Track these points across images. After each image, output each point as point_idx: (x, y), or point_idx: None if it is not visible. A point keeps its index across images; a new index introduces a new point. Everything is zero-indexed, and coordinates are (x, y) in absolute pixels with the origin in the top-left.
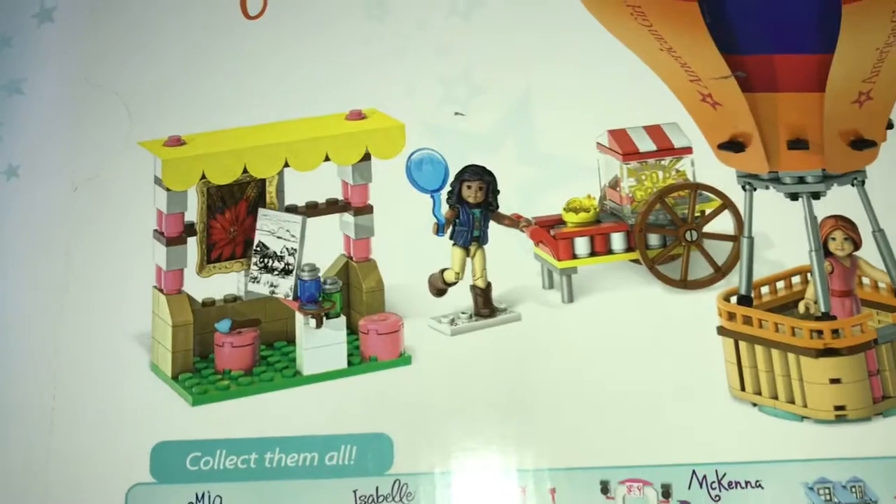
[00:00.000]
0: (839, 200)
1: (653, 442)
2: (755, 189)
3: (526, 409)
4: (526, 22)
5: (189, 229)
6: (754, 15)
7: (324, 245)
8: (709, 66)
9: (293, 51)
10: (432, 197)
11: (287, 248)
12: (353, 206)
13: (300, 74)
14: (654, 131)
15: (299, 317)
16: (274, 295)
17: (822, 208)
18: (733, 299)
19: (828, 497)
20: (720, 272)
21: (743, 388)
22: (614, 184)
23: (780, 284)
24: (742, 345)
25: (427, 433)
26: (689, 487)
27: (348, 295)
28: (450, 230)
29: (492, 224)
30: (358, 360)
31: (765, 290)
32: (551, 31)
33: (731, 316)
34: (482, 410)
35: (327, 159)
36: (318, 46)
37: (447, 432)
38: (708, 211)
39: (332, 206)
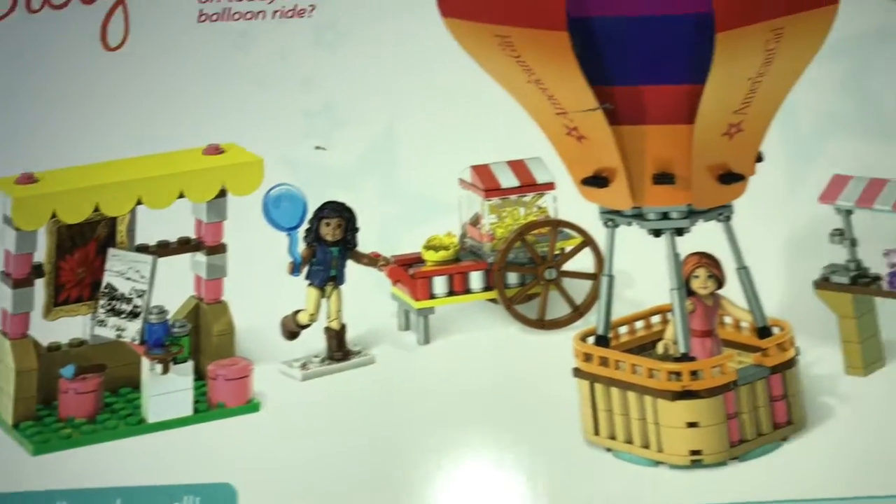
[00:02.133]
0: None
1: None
2: (617, 225)
3: (376, 456)
4: (392, 54)
5: (37, 270)
6: (624, 45)
7: (175, 286)
8: (576, 99)
9: (153, 83)
10: (289, 235)
11: (136, 290)
12: (206, 244)
13: (160, 107)
14: (518, 166)
15: (145, 362)
16: (121, 339)
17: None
18: (591, 339)
19: None
20: (578, 311)
21: (597, 433)
22: (475, 221)
23: (640, 324)
24: (598, 387)
25: (273, 484)
26: None
27: (197, 338)
28: (306, 270)
29: (349, 263)
30: (205, 407)
31: (623, 329)
32: (417, 65)
33: (587, 357)
34: (331, 460)
35: (182, 196)
36: (180, 78)
37: (294, 483)
38: (568, 248)
39: (184, 246)
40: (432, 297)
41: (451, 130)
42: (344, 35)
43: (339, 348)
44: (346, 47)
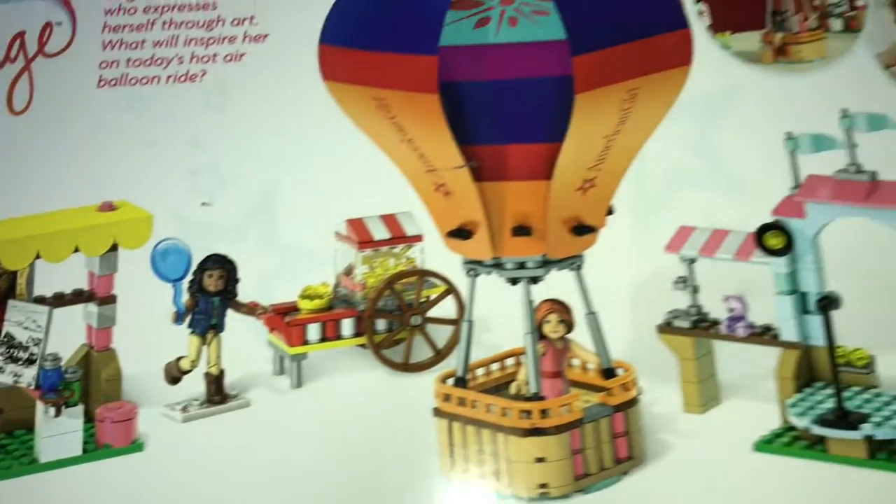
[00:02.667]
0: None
1: None
2: (479, 275)
3: (253, 495)
4: (275, 116)
5: None
6: (490, 107)
7: (69, 334)
8: (444, 157)
9: (54, 143)
10: (174, 286)
11: (32, 339)
12: (98, 295)
13: (60, 166)
14: (389, 220)
15: (40, 405)
16: (17, 384)
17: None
18: (450, 381)
19: None
20: (440, 355)
21: (453, 467)
22: (349, 271)
23: (495, 366)
24: (455, 425)
25: None
26: None
27: (87, 383)
28: (189, 318)
29: (229, 311)
30: (93, 447)
31: (480, 371)
32: (298, 125)
33: (446, 397)
34: (208, 496)
35: (77, 250)
36: (79, 138)
37: None
38: (433, 296)
39: (78, 297)
40: (306, 342)
41: (328, 187)
42: (230, 98)
43: (217, 392)
44: (232, 110)
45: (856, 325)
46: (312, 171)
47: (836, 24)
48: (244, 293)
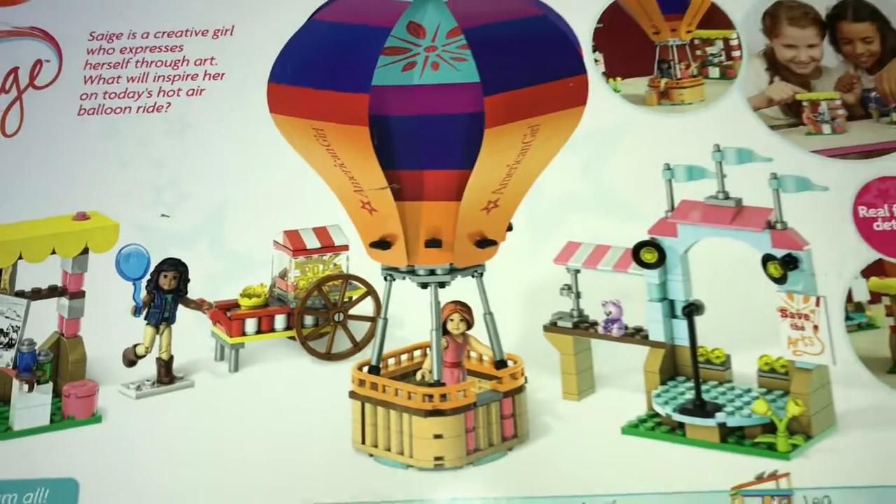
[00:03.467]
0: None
1: (287, 480)
2: (395, 279)
3: (197, 460)
4: (228, 142)
5: None
6: (412, 138)
7: (44, 323)
8: (371, 180)
9: (40, 162)
10: (135, 284)
11: (12, 326)
12: (70, 291)
13: (42, 182)
14: (320, 231)
15: (16, 382)
16: None
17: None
18: (366, 369)
19: None
20: (357, 346)
21: (364, 442)
22: (283, 274)
23: (405, 357)
24: (367, 406)
25: (109, 480)
26: None
27: (57, 365)
28: (145, 312)
29: (180, 307)
30: (59, 419)
31: (392, 361)
32: (246, 150)
33: (361, 382)
34: (159, 462)
35: (54, 252)
36: (61, 159)
37: (127, 478)
38: (355, 297)
39: (53, 292)
40: (244, 334)
41: (269, 203)
42: (190, 126)
43: (166, 374)
44: (191, 136)
45: (716, 329)
46: (256, 189)
47: (715, 71)
48: (194, 291)
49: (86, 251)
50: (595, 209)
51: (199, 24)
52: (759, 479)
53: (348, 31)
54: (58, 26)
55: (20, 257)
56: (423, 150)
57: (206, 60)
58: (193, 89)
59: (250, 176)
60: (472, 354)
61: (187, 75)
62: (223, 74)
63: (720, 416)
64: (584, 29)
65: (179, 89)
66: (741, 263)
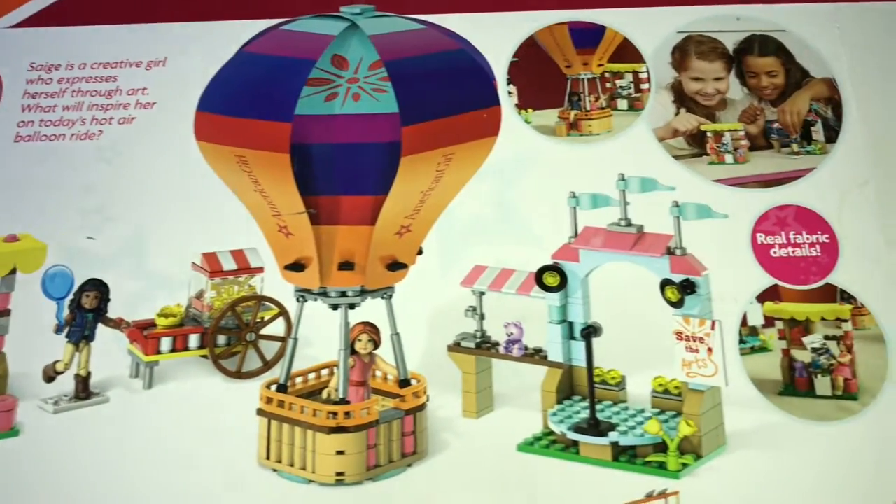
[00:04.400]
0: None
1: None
2: (307, 301)
3: (110, 473)
4: (154, 169)
5: None
6: (330, 165)
7: None
8: (289, 204)
9: None
10: (58, 303)
11: None
12: None
13: None
14: (237, 254)
15: None
16: None
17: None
18: (274, 387)
19: None
20: (267, 365)
21: (268, 457)
22: (199, 295)
23: (312, 376)
24: (273, 423)
25: (28, 491)
26: None
27: None
28: (67, 330)
29: (100, 325)
30: None
31: (300, 379)
32: (169, 175)
33: (269, 400)
34: (74, 473)
35: None
36: None
37: (45, 491)
38: (267, 317)
39: None
40: (158, 352)
41: (189, 226)
42: (120, 153)
43: (83, 390)
44: (119, 162)
45: (613, 350)
46: (178, 213)
47: (623, 103)
48: (115, 311)
49: (13, 271)
50: (502, 235)
51: (133, 55)
52: (649, 496)
53: (275, 63)
54: (0, 57)
55: None
56: (341, 176)
57: (138, 90)
58: (125, 118)
59: (173, 200)
60: (378, 373)
61: (120, 104)
62: (154, 104)
63: (613, 435)
64: (500, 62)
65: (111, 118)
66: (640, 288)
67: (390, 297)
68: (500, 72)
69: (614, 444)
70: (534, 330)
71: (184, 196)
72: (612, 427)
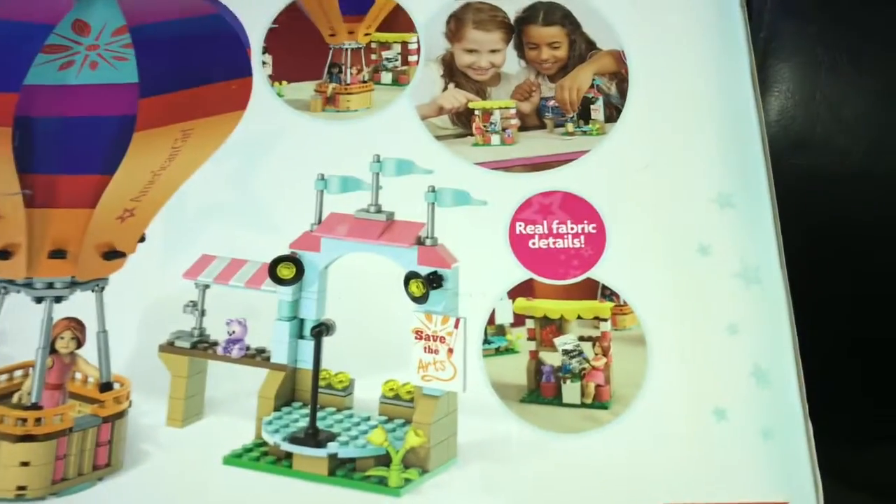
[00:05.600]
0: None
1: None
2: (9, 292)
3: None
4: None
5: None
6: (53, 141)
7: None
8: (2, 184)
9: None
10: None
11: None
12: None
13: None
14: None
15: None
16: None
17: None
18: None
19: None
20: None
21: None
22: None
23: (4, 378)
24: None
25: None
26: None
27: None
28: None
29: None
30: None
31: None
32: None
33: None
34: None
35: None
36: None
37: None
38: None
39: None
40: None
41: None
42: None
43: None
44: None
45: (346, 351)
46: None
47: (387, 77)
48: None
49: None
50: (238, 222)
51: None
52: None
53: (6, 28)
54: None
55: None
56: (64, 153)
57: None
58: None
59: None
60: (78, 375)
61: None
62: None
63: (332, 447)
64: (256, 29)
65: None
66: (385, 282)
67: (102, 289)
68: (255, 39)
69: (332, 457)
70: (261, 328)
71: None
72: (333, 437)
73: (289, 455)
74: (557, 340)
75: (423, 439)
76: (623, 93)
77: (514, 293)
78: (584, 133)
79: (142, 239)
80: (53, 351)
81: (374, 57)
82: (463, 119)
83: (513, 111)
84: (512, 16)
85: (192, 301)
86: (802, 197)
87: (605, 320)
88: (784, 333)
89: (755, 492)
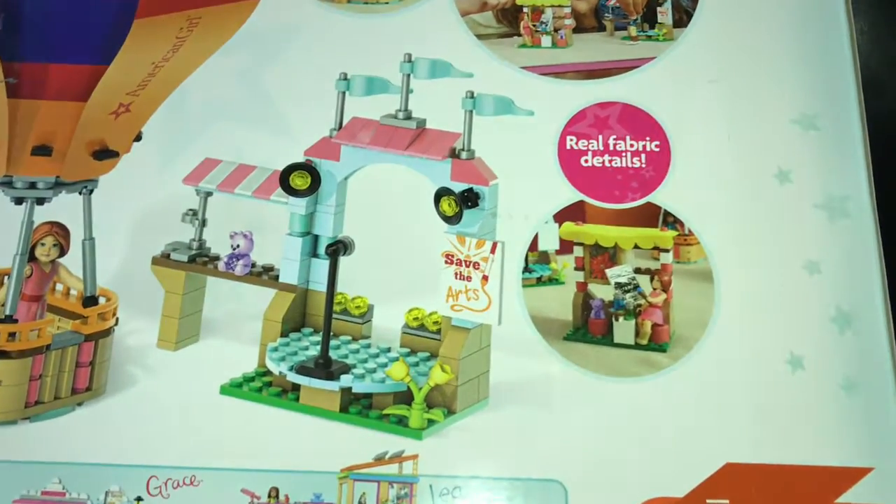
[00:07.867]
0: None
1: None
2: None
3: None
4: None
5: None
6: (46, 23)
7: None
8: None
9: None
10: None
11: None
12: None
13: None
14: None
15: None
16: None
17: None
18: None
19: None
20: None
21: None
22: None
23: None
24: None
25: None
26: None
27: None
28: None
29: None
30: None
31: None
32: None
33: None
34: None
35: None
36: None
37: None
38: None
39: None
40: None
41: None
42: None
43: None
44: None
45: (365, 273)
46: None
47: None
48: None
49: None
50: (248, 122)
51: None
52: (379, 460)
53: None
54: None
55: None
56: (57, 38)
57: None
58: None
59: None
60: (59, 287)
61: None
62: None
63: (345, 380)
64: None
65: None
66: (412, 198)
67: (91, 192)
68: None
69: (345, 391)
70: (269, 243)
71: None
72: (347, 369)
73: (296, 387)
74: (610, 272)
75: (450, 376)
76: None
77: (561, 216)
78: (649, 38)
79: (138, 138)
80: (33, 258)
81: None
82: (509, 16)
83: (567, 10)
84: None
85: (191, 209)
86: None
87: (666, 251)
88: (872, 274)
89: (834, 454)
